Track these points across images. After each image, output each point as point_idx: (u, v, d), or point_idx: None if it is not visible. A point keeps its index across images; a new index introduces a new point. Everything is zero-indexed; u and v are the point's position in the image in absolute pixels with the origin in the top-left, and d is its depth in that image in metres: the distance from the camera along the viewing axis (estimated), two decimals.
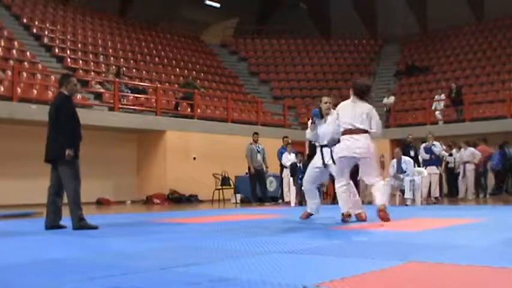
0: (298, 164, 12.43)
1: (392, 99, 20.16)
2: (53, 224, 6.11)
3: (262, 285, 2.68)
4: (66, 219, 6.19)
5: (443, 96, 18.94)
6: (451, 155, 14.82)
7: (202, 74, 21.11)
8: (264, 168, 13.81)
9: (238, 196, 14.59)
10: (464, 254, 3.83)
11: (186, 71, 20.51)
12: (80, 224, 6.02)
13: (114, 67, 17.23)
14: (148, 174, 15.99)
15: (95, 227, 6.05)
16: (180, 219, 7.83)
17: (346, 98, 6.87)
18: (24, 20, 18.54)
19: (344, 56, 25.53)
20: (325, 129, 6.86)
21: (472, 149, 14.61)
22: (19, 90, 13.38)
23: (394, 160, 11.80)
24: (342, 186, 6.58)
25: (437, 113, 18.70)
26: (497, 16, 23.69)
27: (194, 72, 20.15)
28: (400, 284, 2.81)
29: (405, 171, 11.41)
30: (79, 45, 18.65)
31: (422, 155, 13.05)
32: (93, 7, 22.15)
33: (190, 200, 15.02)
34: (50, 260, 3.83)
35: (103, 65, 18.10)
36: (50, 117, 6.21)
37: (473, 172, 14.46)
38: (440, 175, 13.45)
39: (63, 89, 6.26)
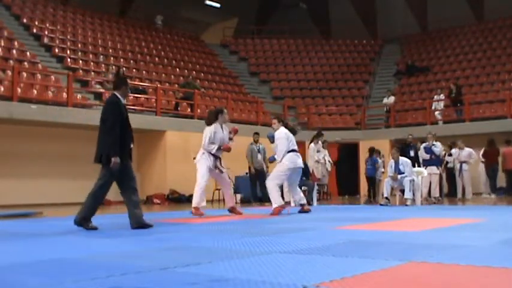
0: None
1: (392, 99, 20.16)
2: (137, 220, 6.14)
3: (262, 285, 2.68)
4: (68, 218, 6.18)
5: (442, 96, 18.95)
6: (450, 155, 14.82)
7: (202, 74, 21.09)
8: (265, 168, 13.81)
9: (238, 196, 14.56)
10: (464, 254, 3.83)
11: (186, 71, 20.48)
12: (81, 223, 6.03)
13: (114, 67, 17.22)
14: (148, 174, 15.97)
15: (95, 228, 6.06)
16: (180, 219, 7.84)
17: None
18: (24, 20, 18.53)
19: (344, 56, 25.49)
20: None
21: (469, 149, 14.65)
22: (19, 90, 13.36)
23: (392, 161, 11.81)
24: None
25: (436, 113, 18.70)
26: (497, 16, 23.67)
27: (194, 72, 20.11)
28: (400, 284, 2.81)
29: (403, 173, 11.42)
30: (79, 45, 18.64)
31: (423, 155, 13.04)
32: (93, 7, 22.13)
33: (190, 200, 14.92)
34: (50, 260, 3.83)
35: (103, 65, 18.09)
36: (101, 118, 6.19)
37: (469, 172, 14.64)
38: (440, 175, 13.46)
39: (116, 92, 6.24)
